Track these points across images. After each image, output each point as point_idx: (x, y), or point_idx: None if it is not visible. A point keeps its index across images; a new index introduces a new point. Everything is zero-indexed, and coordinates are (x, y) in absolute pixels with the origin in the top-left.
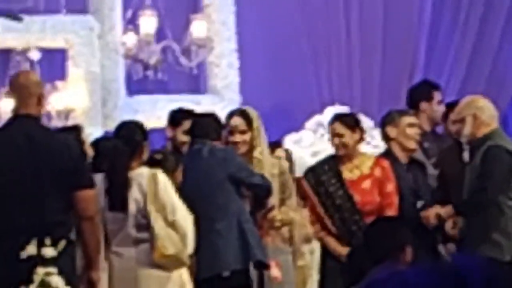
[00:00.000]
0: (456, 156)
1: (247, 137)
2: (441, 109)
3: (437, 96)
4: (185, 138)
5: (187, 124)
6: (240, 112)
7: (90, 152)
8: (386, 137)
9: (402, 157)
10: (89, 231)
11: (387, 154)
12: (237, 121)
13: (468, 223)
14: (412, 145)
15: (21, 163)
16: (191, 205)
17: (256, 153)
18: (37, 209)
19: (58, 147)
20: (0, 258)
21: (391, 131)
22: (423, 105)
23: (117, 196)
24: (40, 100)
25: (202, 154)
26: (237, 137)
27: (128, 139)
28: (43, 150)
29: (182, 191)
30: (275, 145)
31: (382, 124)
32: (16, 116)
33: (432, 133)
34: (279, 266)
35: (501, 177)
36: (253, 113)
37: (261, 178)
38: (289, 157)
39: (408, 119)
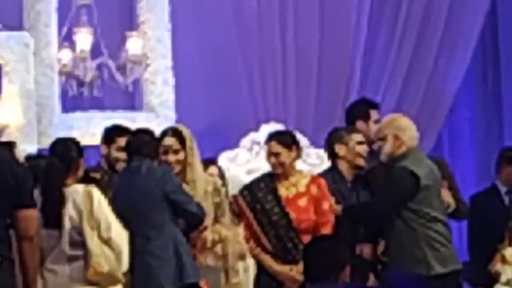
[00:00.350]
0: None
1: (180, 156)
2: (377, 127)
3: (374, 114)
4: (119, 155)
5: (121, 141)
6: (173, 132)
7: None
8: (333, 155)
9: (348, 175)
10: (28, 251)
11: (331, 171)
12: (170, 141)
13: (386, 244)
14: (361, 162)
15: None
16: (126, 223)
17: (189, 172)
18: None
19: (1, 164)
20: None
21: (340, 149)
22: (360, 123)
23: (52, 213)
24: None
25: (140, 171)
26: (171, 157)
27: (63, 156)
28: None
29: (116, 207)
30: (208, 162)
31: (329, 142)
32: None
33: (367, 152)
34: (209, 285)
35: (393, 194)
36: (186, 131)
37: (196, 207)
38: (221, 174)
39: (358, 137)
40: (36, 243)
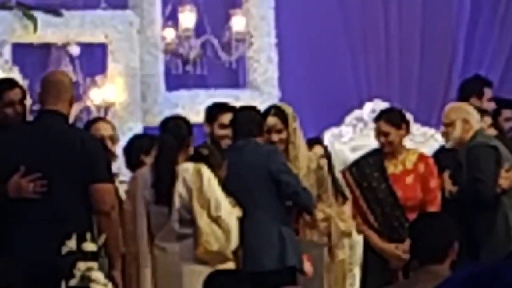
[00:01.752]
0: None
1: (283, 135)
2: (490, 106)
3: (488, 92)
4: (222, 132)
5: (222, 119)
6: (276, 111)
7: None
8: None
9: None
10: (105, 226)
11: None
12: (273, 120)
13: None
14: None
15: (37, 155)
16: (237, 201)
17: (291, 150)
18: (52, 201)
19: (71, 141)
20: (22, 251)
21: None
22: (473, 100)
23: (163, 190)
24: (71, 101)
25: (247, 149)
26: (274, 137)
27: (175, 133)
28: (56, 142)
29: (227, 186)
30: (313, 141)
31: None
32: (42, 112)
33: None
34: (311, 261)
35: (489, 170)
36: (288, 110)
37: (302, 190)
38: (327, 153)
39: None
40: (114, 219)
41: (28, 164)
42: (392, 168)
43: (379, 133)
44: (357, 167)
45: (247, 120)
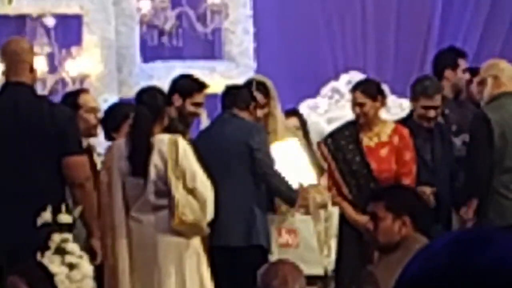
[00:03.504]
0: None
1: (266, 110)
2: (465, 77)
3: (462, 63)
4: (194, 109)
5: (197, 97)
6: (258, 85)
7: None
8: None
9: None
10: (80, 198)
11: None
12: (257, 96)
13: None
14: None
15: (7, 130)
16: (211, 173)
17: (271, 122)
18: (26, 175)
19: (41, 113)
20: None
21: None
22: (448, 72)
23: (139, 161)
24: (32, 68)
25: (230, 123)
26: (259, 112)
27: (149, 104)
28: (25, 117)
29: (205, 158)
30: (290, 113)
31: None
32: (7, 84)
33: (454, 101)
34: (293, 233)
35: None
36: (269, 83)
37: (277, 176)
38: (303, 123)
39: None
40: (88, 190)
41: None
42: (367, 140)
43: (354, 104)
44: (333, 139)
45: (235, 96)
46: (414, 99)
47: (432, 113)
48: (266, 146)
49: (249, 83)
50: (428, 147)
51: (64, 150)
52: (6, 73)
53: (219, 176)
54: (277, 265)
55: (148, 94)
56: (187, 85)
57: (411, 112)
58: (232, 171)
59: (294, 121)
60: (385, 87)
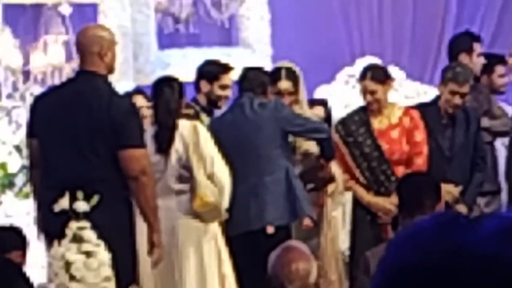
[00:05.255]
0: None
1: (294, 97)
2: (480, 61)
3: (477, 48)
4: (223, 92)
5: (224, 79)
6: (287, 73)
7: None
8: None
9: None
10: (135, 190)
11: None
12: (286, 84)
13: None
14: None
15: (67, 119)
16: (236, 158)
17: (298, 109)
18: (76, 164)
19: (99, 105)
20: (43, 212)
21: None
22: (463, 56)
23: (164, 138)
24: (100, 55)
25: (252, 107)
26: (287, 99)
27: (168, 93)
28: (85, 107)
29: (224, 143)
30: (317, 102)
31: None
32: (77, 73)
33: (472, 86)
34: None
35: None
36: (298, 71)
37: (318, 123)
38: (328, 114)
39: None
40: (143, 183)
41: (58, 127)
42: (378, 123)
43: (365, 92)
44: (343, 125)
45: (255, 79)
46: (443, 83)
47: (458, 99)
48: (295, 114)
49: (277, 69)
50: (448, 134)
51: (119, 143)
52: (79, 62)
53: (248, 161)
54: (287, 253)
55: (169, 81)
56: (213, 69)
57: (436, 98)
58: (261, 153)
59: (319, 110)
60: (400, 72)
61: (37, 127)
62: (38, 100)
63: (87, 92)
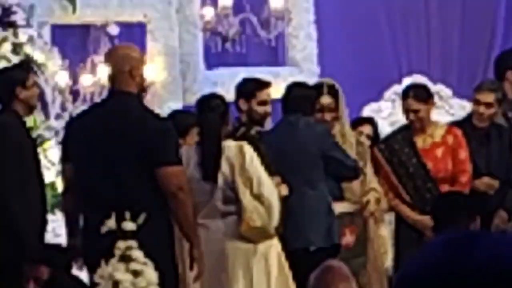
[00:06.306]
0: None
1: (335, 114)
2: None
3: None
4: (261, 109)
5: (262, 95)
6: (329, 89)
7: None
8: None
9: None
10: (173, 207)
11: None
12: (327, 100)
13: None
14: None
15: (102, 141)
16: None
17: (339, 126)
18: (115, 185)
19: (133, 125)
20: (85, 233)
21: None
22: (509, 73)
23: (210, 166)
24: (132, 75)
25: (297, 126)
26: (327, 115)
27: (215, 112)
28: (119, 127)
29: (274, 161)
30: (365, 120)
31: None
32: (110, 92)
33: None
34: (355, 232)
35: None
36: (339, 87)
37: (353, 162)
38: (376, 133)
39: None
40: (181, 200)
41: (94, 149)
42: (421, 142)
43: (408, 111)
44: (386, 145)
45: (299, 96)
46: (472, 97)
47: (482, 108)
48: (337, 145)
49: (319, 86)
50: (483, 152)
51: (155, 161)
52: (111, 82)
53: (292, 180)
54: (327, 272)
55: (213, 101)
56: (248, 87)
57: (469, 115)
58: (305, 174)
59: (367, 129)
60: (447, 90)
61: (72, 151)
62: (72, 124)
63: (120, 112)
